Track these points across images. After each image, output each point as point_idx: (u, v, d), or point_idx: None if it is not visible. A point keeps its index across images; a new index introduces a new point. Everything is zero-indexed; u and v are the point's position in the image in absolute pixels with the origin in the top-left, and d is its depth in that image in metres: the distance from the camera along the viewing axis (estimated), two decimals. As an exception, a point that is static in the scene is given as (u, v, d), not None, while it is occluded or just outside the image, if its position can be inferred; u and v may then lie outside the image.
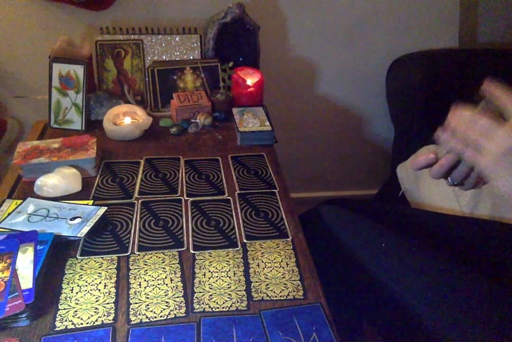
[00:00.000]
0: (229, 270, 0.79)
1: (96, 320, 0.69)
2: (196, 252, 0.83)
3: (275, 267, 0.80)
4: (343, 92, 1.71)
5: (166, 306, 0.72)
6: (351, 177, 1.93)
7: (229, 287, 0.75)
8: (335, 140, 1.82)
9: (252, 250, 0.83)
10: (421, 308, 0.77)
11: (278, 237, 0.87)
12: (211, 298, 0.73)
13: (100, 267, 0.79)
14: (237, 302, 0.73)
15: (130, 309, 0.71)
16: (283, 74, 1.63)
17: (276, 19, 1.52)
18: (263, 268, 0.79)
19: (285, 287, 0.76)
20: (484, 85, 0.62)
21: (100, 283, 0.76)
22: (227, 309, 0.71)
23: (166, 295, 0.74)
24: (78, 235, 0.83)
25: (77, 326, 0.68)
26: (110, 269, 0.79)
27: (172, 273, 0.78)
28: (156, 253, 0.82)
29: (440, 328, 0.74)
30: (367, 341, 1.17)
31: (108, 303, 0.72)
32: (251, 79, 1.29)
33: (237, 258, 0.82)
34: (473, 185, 0.70)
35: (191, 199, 0.97)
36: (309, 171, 1.90)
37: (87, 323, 0.69)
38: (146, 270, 0.79)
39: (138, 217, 0.91)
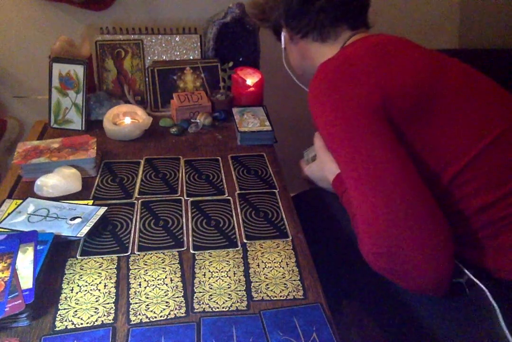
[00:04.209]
0: (229, 270, 0.79)
1: (96, 320, 0.69)
2: (196, 252, 0.83)
3: (275, 267, 0.80)
4: (343, 92, 1.70)
5: (166, 306, 0.72)
6: (351, 177, 1.93)
7: (229, 287, 0.75)
8: (335, 140, 1.81)
9: (252, 250, 0.83)
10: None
11: (278, 237, 0.87)
12: (211, 298, 0.73)
13: (100, 267, 0.79)
14: (237, 302, 0.73)
15: (130, 309, 0.71)
16: (283, 74, 1.63)
17: (276, 19, 1.52)
18: (263, 268, 0.79)
19: (285, 287, 0.76)
20: None
21: (100, 283, 0.76)
22: (227, 309, 0.71)
23: (166, 295, 0.74)
24: (78, 235, 0.83)
25: (77, 326, 0.68)
26: (110, 269, 0.79)
27: (172, 273, 0.78)
28: (156, 253, 0.82)
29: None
30: (349, 316, 1.22)
31: (108, 303, 0.72)
32: (251, 79, 1.29)
33: (237, 258, 0.82)
34: None
35: (191, 199, 0.97)
36: (309, 171, 1.89)
37: (87, 323, 0.69)
38: (146, 270, 0.78)
39: (138, 217, 0.91)
